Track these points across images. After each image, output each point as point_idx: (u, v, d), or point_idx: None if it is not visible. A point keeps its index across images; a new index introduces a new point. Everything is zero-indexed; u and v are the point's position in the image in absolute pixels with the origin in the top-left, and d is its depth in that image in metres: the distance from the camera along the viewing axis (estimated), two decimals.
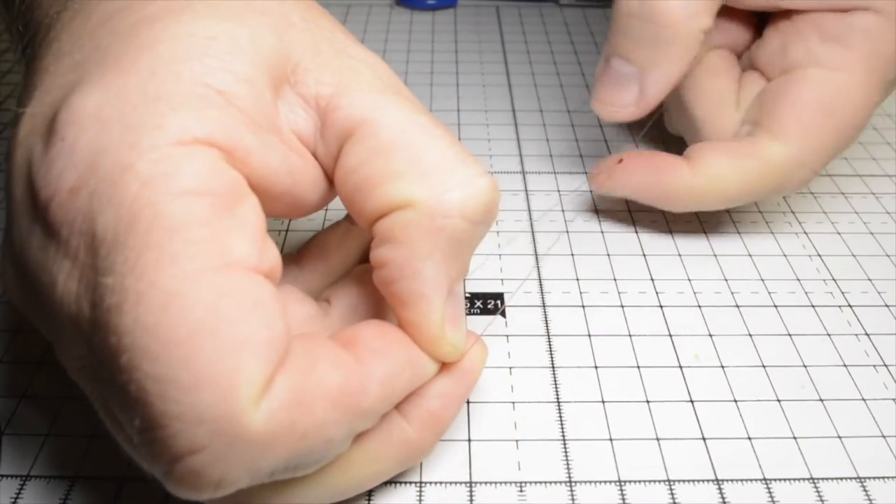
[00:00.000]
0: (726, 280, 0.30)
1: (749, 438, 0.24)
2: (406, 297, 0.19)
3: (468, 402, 0.25)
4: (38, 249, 0.17)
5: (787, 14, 0.30)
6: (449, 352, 0.20)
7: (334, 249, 0.23)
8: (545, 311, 0.29)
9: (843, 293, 0.30)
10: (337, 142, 0.19)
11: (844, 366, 0.27)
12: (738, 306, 0.29)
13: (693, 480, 0.23)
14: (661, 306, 0.29)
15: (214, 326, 0.15)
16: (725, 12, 0.30)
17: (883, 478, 0.23)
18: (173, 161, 0.16)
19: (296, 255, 0.24)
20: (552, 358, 0.27)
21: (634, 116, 0.30)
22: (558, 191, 0.35)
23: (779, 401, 0.25)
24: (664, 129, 0.36)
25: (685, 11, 0.28)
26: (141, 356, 0.15)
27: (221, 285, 0.16)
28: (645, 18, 0.28)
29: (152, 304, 0.15)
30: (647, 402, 0.25)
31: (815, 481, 0.23)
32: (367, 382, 0.18)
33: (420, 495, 0.22)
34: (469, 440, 0.24)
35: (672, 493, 0.23)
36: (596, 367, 0.26)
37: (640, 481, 0.23)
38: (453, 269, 0.19)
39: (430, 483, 0.23)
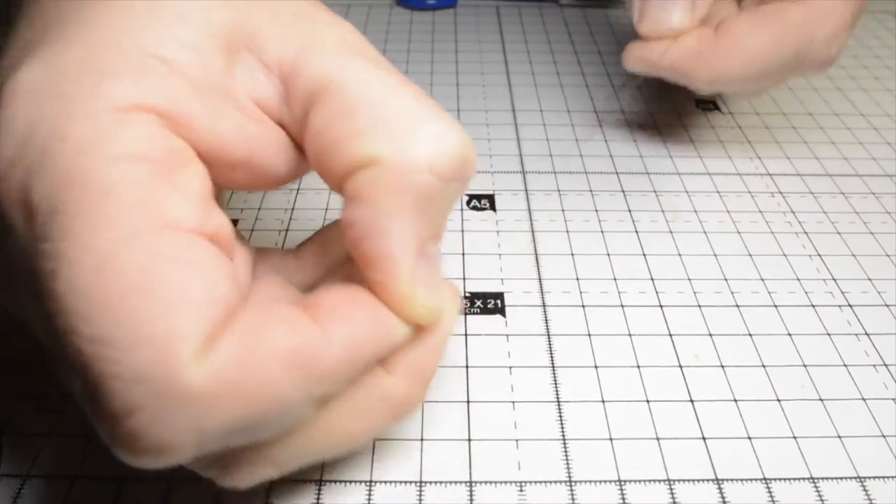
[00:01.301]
0: (726, 280, 0.30)
1: (749, 438, 0.24)
2: (373, 258, 0.18)
3: (468, 402, 0.25)
4: None
5: None
6: (421, 314, 0.19)
7: (333, 243, 0.23)
8: (545, 311, 0.29)
9: (843, 293, 0.30)
10: (303, 107, 0.19)
11: (844, 365, 0.27)
12: (738, 306, 0.29)
13: (693, 480, 0.23)
14: (661, 306, 0.29)
15: (149, 286, 0.15)
16: None
17: (883, 477, 0.23)
18: (109, 127, 0.16)
19: (296, 250, 0.24)
20: (552, 357, 0.27)
21: (687, 27, 0.32)
22: (558, 190, 0.35)
23: (779, 400, 0.25)
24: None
25: None
26: (77, 319, 0.15)
27: (156, 246, 0.15)
28: None
29: (86, 267, 0.15)
30: (647, 401, 0.25)
31: (815, 481, 0.23)
32: (324, 344, 0.17)
33: (420, 495, 0.22)
34: (469, 440, 0.24)
35: (672, 493, 0.23)
36: (596, 367, 0.26)
37: (640, 481, 0.23)
38: (424, 228, 0.18)
39: (430, 483, 0.23)
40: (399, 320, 0.19)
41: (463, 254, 0.31)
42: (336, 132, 0.18)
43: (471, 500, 0.22)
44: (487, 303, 0.29)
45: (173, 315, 0.15)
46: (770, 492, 0.23)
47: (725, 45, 0.32)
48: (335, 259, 0.23)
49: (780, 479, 0.23)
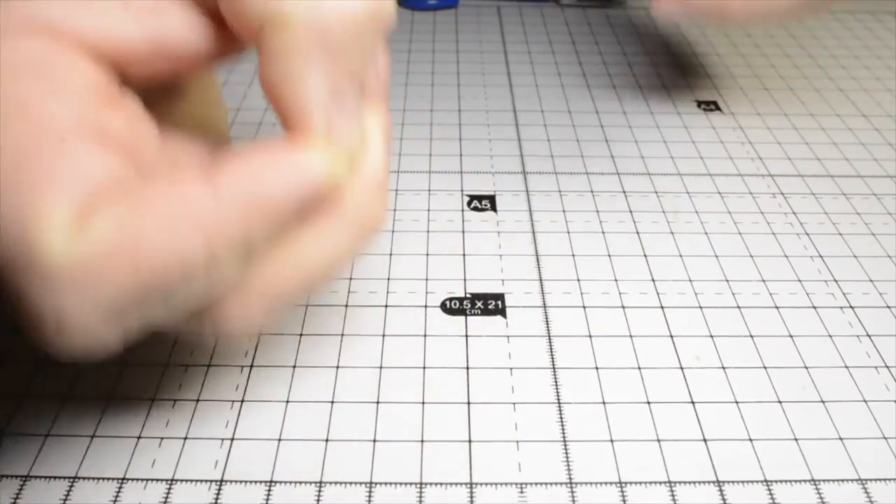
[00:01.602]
0: (727, 281, 0.30)
1: (750, 440, 0.24)
2: (288, 110, 0.18)
3: (468, 403, 0.25)
4: None
5: None
6: (335, 151, 0.19)
7: None
8: (546, 312, 0.29)
9: (844, 294, 0.30)
10: None
11: (846, 367, 0.27)
12: (739, 307, 0.29)
13: (694, 482, 0.23)
14: (662, 307, 0.29)
15: (16, 169, 0.16)
16: None
17: (884, 479, 0.23)
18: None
19: None
20: (553, 359, 0.27)
21: None
22: (559, 191, 0.35)
23: (780, 402, 0.25)
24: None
25: None
26: None
27: (25, 135, 0.16)
28: None
29: None
30: (648, 403, 0.25)
31: (817, 483, 0.23)
32: (210, 197, 0.16)
33: (420, 496, 0.22)
34: (469, 441, 0.24)
35: (673, 495, 0.22)
36: (597, 368, 0.26)
37: (640, 482, 0.23)
38: (339, 78, 0.18)
39: (431, 484, 0.23)
40: (315, 157, 0.18)
41: (464, 255, 0.31)
42: None
43: (471, 501, 0.22)
44: (488, 304, 0.29)
45: (35, 197, 0.15)
46: (771, 493, 0.23)
47: None
48: None
49: (781, 481, 0.23)
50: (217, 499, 0.22)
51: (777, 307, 0.29)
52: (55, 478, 0.23)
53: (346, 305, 0.29)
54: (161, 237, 0.16)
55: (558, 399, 0.25)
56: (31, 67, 0.17)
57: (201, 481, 0.23)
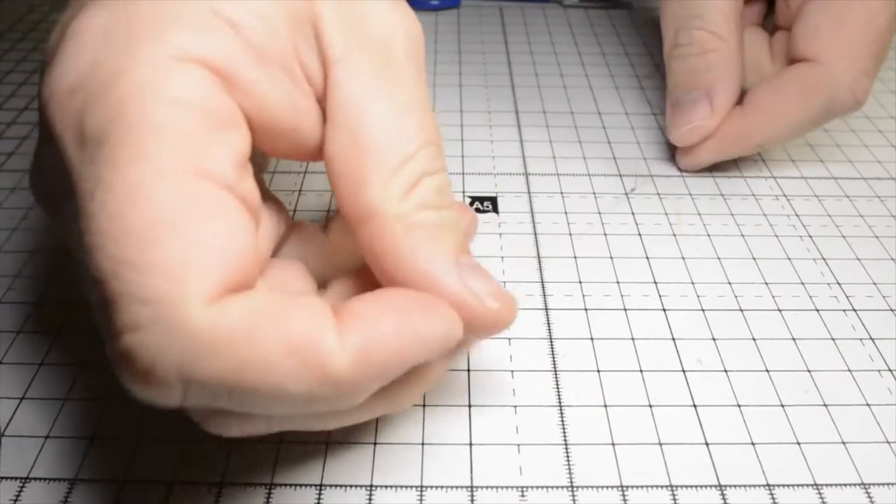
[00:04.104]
0: (730, 283, 0.30)
1: (752, 443, 0.24)
2: (410, 282, 0.19)
3: (469, 406, 0.25)
4: (43, 145, 0.19)
5: None
6: (477, 305, 0.19)
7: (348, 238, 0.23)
8: (548, 315, 0.29)
9: (847, 297, 0.30)
10: (328, 111, 0.19)
11: (849, 370, 0.27)
12: (741, 310, 0.29)
13: (696, 486, 0.23)
14: (664, 310, 0.29)
15: (174, 221, 0.16)
16: None
17: (887, 484, 0.23)
18: (168, 72, 0.17)
19: (326, 224, 0.24)
20: (554, 361, 0.27)
21: (711, 128, 0.34)
22: (561, 193, 0.35)
23: (782, 405, 0.25)
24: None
25: (725, 29, 0.33)
26: (104, 238, 0.16)
27: (189, 188, 0.16)
28: (695, 52, 0.34)
29: (119, 192, 0.16)
30: (650, 406, 0.25)
31: (819, 487, 0.23)
32: (334, 348, 0.16)
33: (421, 499, 0.22)
34: (470, 444, 0.24)
35: (674, 498, 0.22)
36: (598, 371, 0.26)
37: (642, 486, 0.23)
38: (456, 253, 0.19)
39: (432, 487, 0.23)
40: (447, 316, 0.18)
41: None
42: (348, 169, 0.19)
43: None
44: None
45: (192, 253, 0.16)
46: (773, 498, 0.22)
47: (756, 120, 0.34)
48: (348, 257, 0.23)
49: (783, 486, 0.23)
50: (217, 501, 0.22)
51: (780, 310, 0.29)
52: (55, 479, 0.23)
53: None
54: (275, 355, 0.16)
55: (560, 402, 0.25)
56: (204, 116, 0.17)
57: (202, 484, 0.23)
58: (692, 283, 0.30)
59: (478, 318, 0.19)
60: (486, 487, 0.23)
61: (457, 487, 0.23)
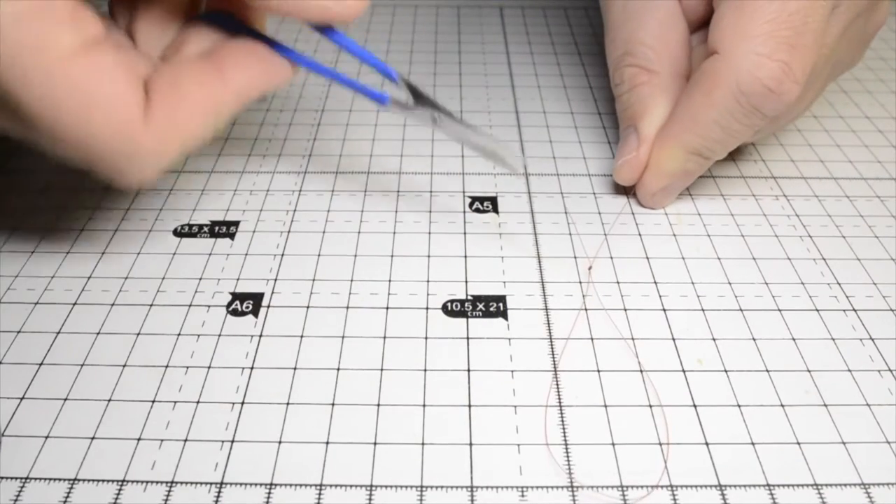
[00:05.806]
0: (730, 283, 0.30)
1: (752, 443, 0.24)
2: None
3: (469, 406, 0.25)
4: None
5: None
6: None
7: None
8: (548, 314, 0.29)
9: (847, 297, 0.30)
10: None
11: (849, 370, 0.27)
12: (741, 310, 0.29)
13: (696, 485, 0.23)
14: (664, 310, 0.29)
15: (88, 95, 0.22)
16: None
17: (887, 484, 0.23)
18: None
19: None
20: (554, 361, 0.27)
21: (642, 159, 0.33)
22: (561, 193, 0.35)
23: (782, 406, 0.25)
24: None
25: (655, 63, 0.33)
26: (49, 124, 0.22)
27: (66, 76, 0.21)
28: (626, 90, 0.34)
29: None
30: (650, 406, 0.25)
31: (819, 487, 0.23)
32: (225, 90, 0.24)
33: (421, 499, 0.22)
34: (470, 444, 0.24)
35: (675, 498, 0.22)
36: (598, 371, 0.26)
37: (642, 486, 0.23)
38: None
39: (431, 487, 0.23)
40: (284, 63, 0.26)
41: (465, 256, 0.31)
42: None
43: None
44: (489, 306, 0.29)
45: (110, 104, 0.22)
46: (773, 498, 0.22)
47: (675, 129, 0.32)
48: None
49: (783, 486, 0.23)
50: (217, 501, 0.22)
51: (780, 310, 0.29)
52: (55, 479, 0.23)
53: (347, 307, 0.29)
54: (198, 122, 0.24)
55: (560, 402, 0.25)
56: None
57: (201, 483, 0.23)
58: (692, 283, 0.30)
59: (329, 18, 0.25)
60: (486, 487, 0.23)
61: (457, 487, 0.23)
